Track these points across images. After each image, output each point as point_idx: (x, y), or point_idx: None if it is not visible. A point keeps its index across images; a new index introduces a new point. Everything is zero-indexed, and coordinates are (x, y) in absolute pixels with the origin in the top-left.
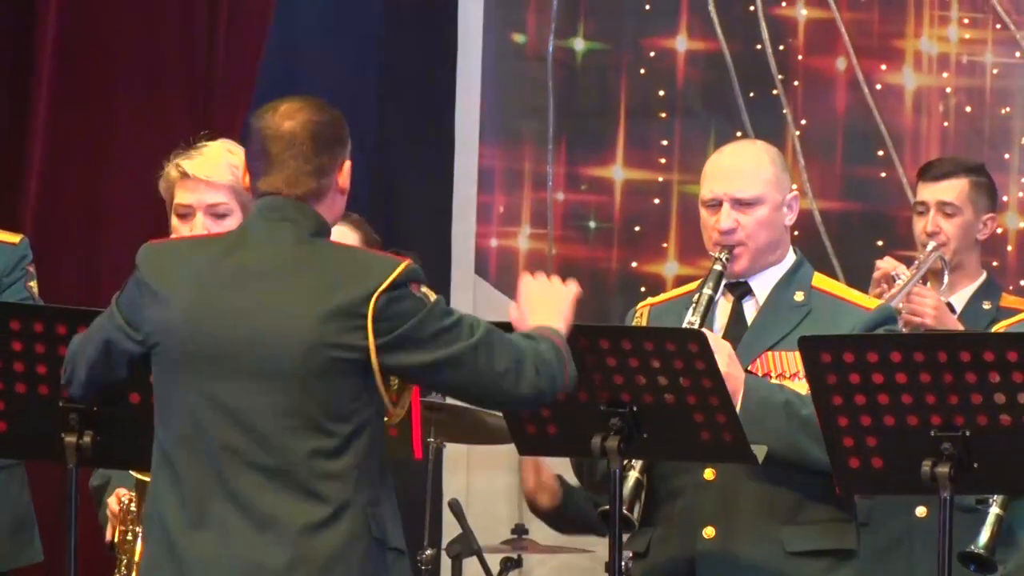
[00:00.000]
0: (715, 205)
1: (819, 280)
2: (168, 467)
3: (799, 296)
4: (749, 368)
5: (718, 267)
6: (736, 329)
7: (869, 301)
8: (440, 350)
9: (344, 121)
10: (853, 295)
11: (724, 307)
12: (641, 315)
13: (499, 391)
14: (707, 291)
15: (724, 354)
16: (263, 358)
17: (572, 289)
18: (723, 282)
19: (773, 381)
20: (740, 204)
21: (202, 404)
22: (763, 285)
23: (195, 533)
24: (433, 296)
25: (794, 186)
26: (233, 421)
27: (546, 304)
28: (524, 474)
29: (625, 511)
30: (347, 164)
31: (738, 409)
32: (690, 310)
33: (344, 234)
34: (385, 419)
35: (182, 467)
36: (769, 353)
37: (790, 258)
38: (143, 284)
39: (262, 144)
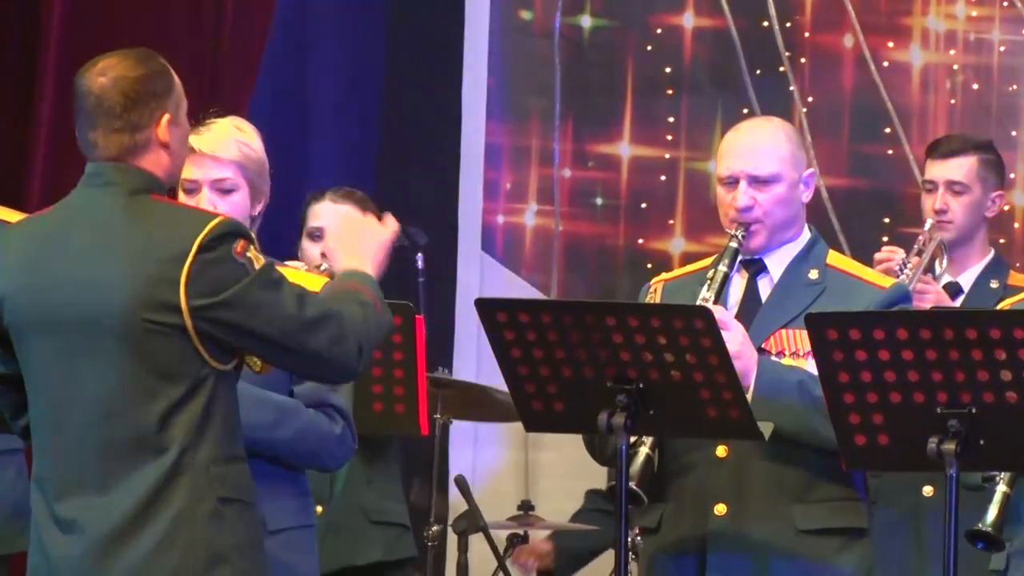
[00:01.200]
0: (732, 182)
1: (834, 258)
2: (36, 451)
3: (814, 274)
4: (763, 346)
5: (734, 244)
6: (750, 306)
7: (884, 280)
8: (266, 325)
9: (165, 74)
10: (868, 273)
11: (738, 284)
12: (655, 291)
13: (322, 369)
14: (722, 268)
15: (738, 334)
16: (92, 330)
17: (388, 231)
18: (738, 259)
19: (786, 359)
20: (757, 181)
21: (48, 381)
22: (778, 262)
23: (57, 515)
24: (260, 262)
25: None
26: (77, 396)
27: (357, 243)
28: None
29: (635, 486)
30: (165, 117)
31: (752, 389)
32: (704, 286)
33: (348, 213)
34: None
35: (41, 449)
36: (783, 331)
37: (805, 235)
38: None
39: (82, 102)
